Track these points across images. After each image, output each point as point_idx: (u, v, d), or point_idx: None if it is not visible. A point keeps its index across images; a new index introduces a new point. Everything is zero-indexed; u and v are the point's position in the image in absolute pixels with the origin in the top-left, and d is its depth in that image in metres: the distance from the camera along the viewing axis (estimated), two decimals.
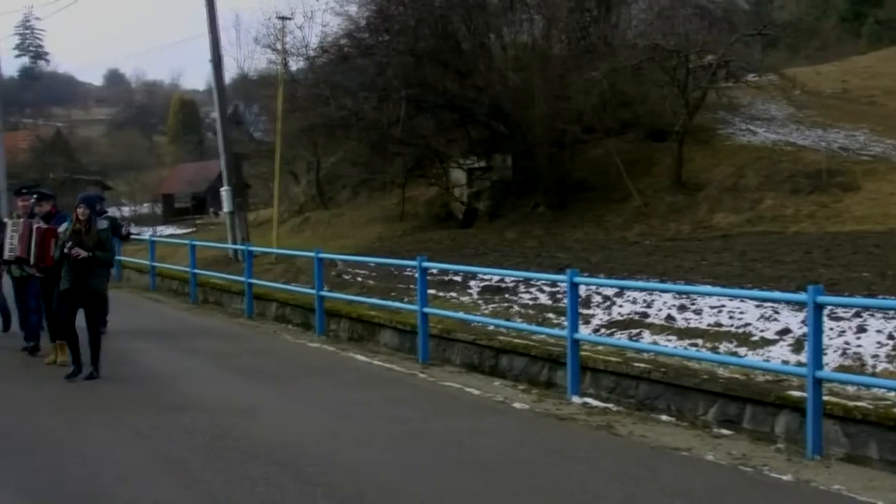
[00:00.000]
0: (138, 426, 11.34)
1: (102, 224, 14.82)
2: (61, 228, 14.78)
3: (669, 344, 14.42)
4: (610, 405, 12.56)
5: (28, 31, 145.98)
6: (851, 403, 10.20)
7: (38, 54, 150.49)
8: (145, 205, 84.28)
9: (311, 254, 20.37)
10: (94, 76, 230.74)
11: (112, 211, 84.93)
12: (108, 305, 19.20)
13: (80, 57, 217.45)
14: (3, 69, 44.43)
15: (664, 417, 11.92)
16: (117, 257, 32.54)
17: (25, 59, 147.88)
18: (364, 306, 19.71)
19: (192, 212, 74.33)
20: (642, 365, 13.05)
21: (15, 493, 8.84)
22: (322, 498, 8.49)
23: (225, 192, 30.66)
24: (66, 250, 14.09)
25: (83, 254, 14.07)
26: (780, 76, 32.41)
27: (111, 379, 14.46)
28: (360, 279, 23.20)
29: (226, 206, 30.88)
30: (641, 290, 17.13)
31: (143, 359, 16.52)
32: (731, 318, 15.38)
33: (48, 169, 68.35)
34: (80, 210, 14.40)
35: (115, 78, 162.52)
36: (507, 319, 17.01)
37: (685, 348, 14.00)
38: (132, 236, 25.67)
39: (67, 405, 12.66)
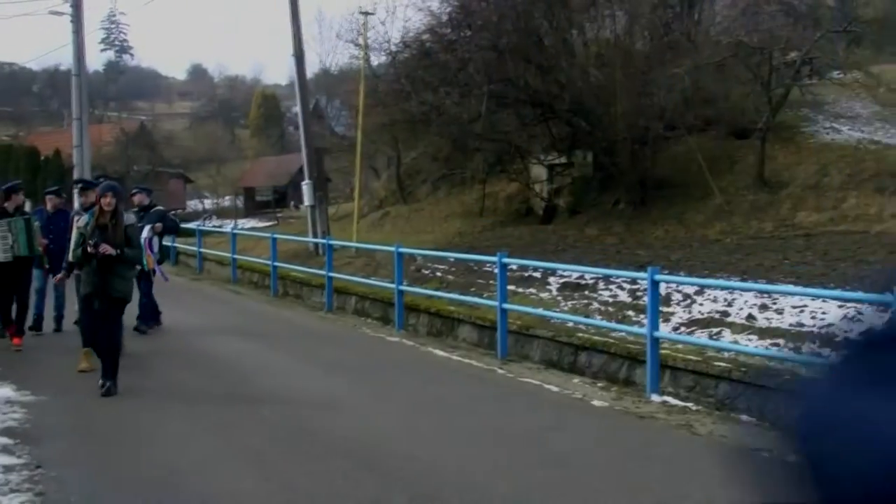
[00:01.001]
0: (217, 418, 11.48)
1: (130, 218, 13.44)
2: (81, 222, 13.07)
3: (750, 343, 14.29)
4: (689, 404, 12.49)
5: (113, 26, 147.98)
6: None
7: (123, 49, 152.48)
8: (227, 198, 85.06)
9: (392, 248, 20.44)
10: (177, 70, 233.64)
11: (194, 204, 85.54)
12: (157, 305, 18.94)
13: (164, 51, 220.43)
14: (89, 63, 45.09)
15: (744, 417, 11.84)
16: (199, 249, 32.96)
17: (110, 54, 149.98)
18: (443, 301, 19.74)
19: (272, 205, 74.82)
20: (722, 364, 12.96)
21: (95, 482, 8.98)
22: (400, 493, 8.53)
23: (306, 185, 30.83)
24: (89, 248, 12.48)
25: (111, 251, 12.48)
26: (865, 73, 32.04)
27: (190, 370, 14.64)
28: (439, 274, 23.23)
29: (307, 200, 31.04)
30: (722, 288, 17.01)
31: (223, 350, 16.66)
32: (813, 318, 15.22)
33: (132, 162, 69.15)
34: (105, 200, 12.82)
35: (197, 72, 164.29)
36: (587, 316, 16.96)
37: (766, 348, 13.87)
38: (213, 228, 25.74)
39: (146, 396, 12.82)
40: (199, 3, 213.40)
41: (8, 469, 9.25)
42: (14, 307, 17.08)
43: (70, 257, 13.53)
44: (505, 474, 9.16)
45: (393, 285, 19.96)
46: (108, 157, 66.92)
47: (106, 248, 12.47)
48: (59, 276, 16.24)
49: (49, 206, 18.45)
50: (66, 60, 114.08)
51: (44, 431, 10.85)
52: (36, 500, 8.44)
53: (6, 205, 16.97)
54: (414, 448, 9.99)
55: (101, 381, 12.62)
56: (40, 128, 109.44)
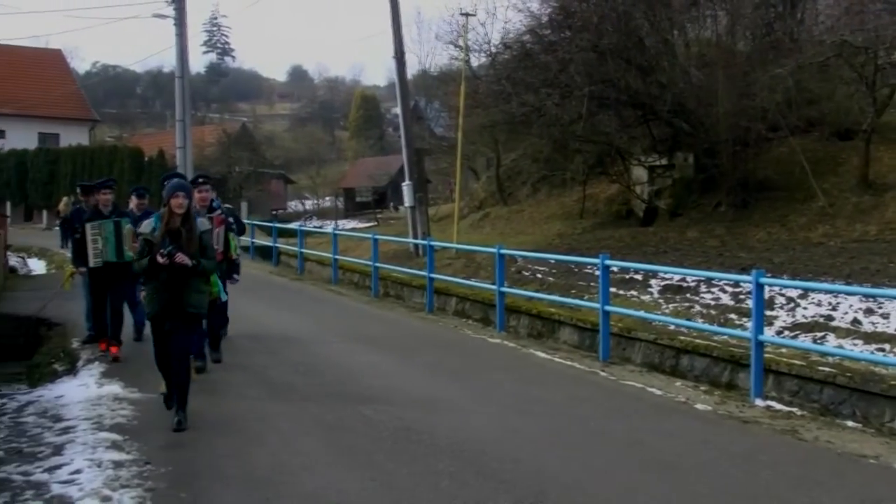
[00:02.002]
0: (322, 417, 11.58)
1: (204, 223, 11.53)
2: (146, 227, 11.16)
3: (855, 348, 14.13)
4: (793, 409, 12.40)
5: (215, 29, 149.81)
6: None
7: (225, 51, 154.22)
8: (327, 198, 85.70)
9: (493, 250, 20.47)
10: (277, 72, 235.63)
11: (294, 204, 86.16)
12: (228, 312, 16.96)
13: (265, 53, 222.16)
14: (191, 66, 45.91)
15: (850, 423, 11.73)
16: (301, 249, 33.21)
17: (212, 56, 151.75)
18: (544, 303, 19.74)
19: (372, 206, 75.25)
20: (827, 369, 12.87)
21: (203, 479, 9.13)
22: (504, 495, 8.58)
23: (406, 186, 31.00)
24: (160, 258, 10.70)
25: (187, 261, 10.80)
26: None
27: (294, 369, 14.77)
28: (539, 276, 23.23)
29: (407, 201, 31.22)
30: (827, 292, 16.84)
31: (327, 351, 16.80)
32: None
33: (234, 163, 69.88)
34: (176, 201, 11.01)
35: (298, 74, 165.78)
36: (689, 319, 16.89)
37: (872, 353, 13.71)
38: (314, 229, 25.39)
39: (252, 395, 12.97)
40: (299, 6, 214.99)
41: (118, 465, 9.44)
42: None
43: (134, 268, 11.50)
44: (608, 477, 9.17)
45: (494, 287, 20.01)
46: (211, 158, 67.77)
47: (182, 258, 10.75)
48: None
49: (133, 206, 17.49)
50: (168, 63, 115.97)
51: (152, 428, 11.04)
52: (146, 495, 8.61)
53: (100, 206, 15.95)
54: (517, 450, 10.03)
55: (175, 418, 10.96)
56: (144, 129, 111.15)
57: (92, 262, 15.72)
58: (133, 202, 17.55)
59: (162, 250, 10.72)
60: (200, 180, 14.93)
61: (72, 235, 17.48)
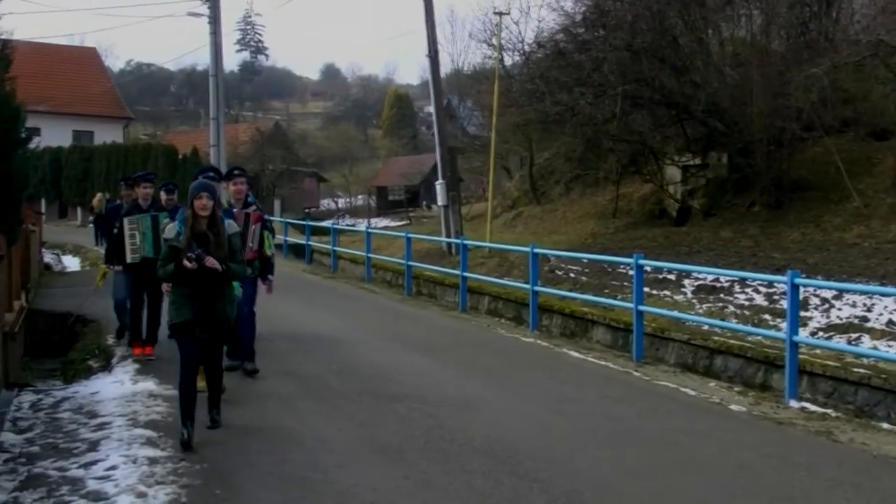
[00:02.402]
0: (356, 414, 11.63)
1: (232, 227, 10.70)
2: (170, 231, 10.46)
3: (890, 350, 14.08)
4: (828, 410, 12.37)
5: (248, 27, 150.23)
6: None
7: (258, 49, 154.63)
8: (360, 197, 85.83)
9: (526, 249, 20.47)
10: (310, 70, 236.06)
11: (327, 203, 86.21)
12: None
13: (298, 52, 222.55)
14: (225, 64, 46.07)
15: (885, 425, 11.68)
16: (334, 248, 33.25)
17: (246, 55, 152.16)
18: (577, 302, 19.73)
19: (405, 204, 75.24)
20: (862, 370, 12.82)
21: (238, 476, 9.16)
22: (538, 494, 8.59)
23: (440, 185, 31.01)
24: (189, 262, 9.93)
25: (218, 266, 10.04)
26: None
27: (327, 367, 14.80)
28: (572, 275, 23.20)
29: (440, 200, 31.23)
30: (861, 293, 16.76)
31: (360, 349, 16.82)
32: None
33: (267, 161, 70.00)
34: (199, 203, 10.21)
35: (331, 72, 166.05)
36: (722, 319, 16.85)
37: None
38: (347, 227, 24.88)
39: (286, 392, 13.00)
40: (332, 4, 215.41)
41: (153, 461, 9.50)
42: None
43: (159, 273, 10.46)
44: (643, 477, 9.16)
45: (527, 286, 20.01)
46: (244, 156, 67.88)
47: (212, 262, 9.99)
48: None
49: (163, 202, 16.46)
50: (202, 61, 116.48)
51: None
52: (181, 492, 8.66)
53: (139, 200, 15.47)
54: (551, 449, 10.03)
55: (209, 416, 10.79)
56: (177, 127, 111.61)
57: (129, 258, 15.40)
58: (162, 197, 16.47)
59: (190, 253, 9.94)
60: (236, 172, 14.36)
61: (107, 232, 17.46)
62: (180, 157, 61.38)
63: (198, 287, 10.17)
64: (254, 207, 14.12)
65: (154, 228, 15.08)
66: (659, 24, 28.01)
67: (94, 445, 10.21)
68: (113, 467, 9.31)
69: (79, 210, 65.75)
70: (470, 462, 9.52)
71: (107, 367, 15.56)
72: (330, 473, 9.17)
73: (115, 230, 16.02)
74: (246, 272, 11.60)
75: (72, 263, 39.26)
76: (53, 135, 63.22)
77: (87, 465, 9.45)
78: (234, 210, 13.28)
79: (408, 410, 11.82)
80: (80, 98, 72.43)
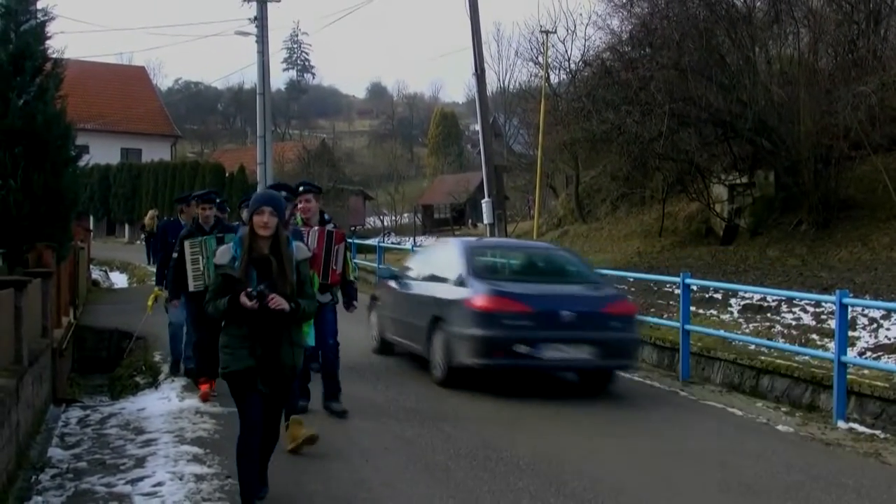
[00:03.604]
0: (402, 433, 11.60)
1: (302, 251, 8.57)
2: (223, 256, 8.25)
3: None
4: (877, 432, 12.28)
5: (295, 46, 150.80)
6: None
7: (305, 68, 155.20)
8: (405, 215, 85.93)
9: None
10: (357, 89, 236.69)
11: (373, 221, 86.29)
12: None
13: (344, 70, 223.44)
14: (272, 82, 46.43)
15: None
16: (379, 265, 33.26)
17: (292, 73, 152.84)
18: None
19: (451, 223, 75.35)
20: None
21: (287, 495, 9.16)
22: None
23: (486, 203, 31.06)
24: (247, 299, 7.85)
25: (286, 306, 7.96)
26: None
27: (373, 386, 14.77)
28: None
29: (486, 218, 31.29)
30: None
31: (404, 366, 16.79)
32: None
33: (313, 179, 70.15)
34: (260, 219, 8.10)
35: (377, 90, 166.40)
36: (769, 339, 16.74)
37: None
38: (392, 245, 23.86)
39: (320, 408, 13.01)
40: (379, 23, 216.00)
41: (199, 478, 9.51)
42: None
43: (209, 310, 8.26)
44: (690, 498, 9.13)
45: None
46: (291, 174, 68.08)
47: (278, 303, 7.92)
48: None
49: (245, 218, 16.33)
50: (249, 79, 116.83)
51: (233, 442, 11.08)
52: None
53: (200, 221, 13.96)
54: (598, 469, 10.00)
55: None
56: (225, 145, 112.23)
57: (192, 286, 13.60)
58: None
59: (249, 290, 7.88)
60: (302, 188, 12.65)
61: (160, 251, 16.27)
62: (227, 175, 61.75)
63: (258, 328, 8.06)
64: (332, 225, 12.85)
65: None
66: (706, 42, 27.92)
67: (140, 462, 10.24)
68: (159, 484, 9.33)
69: (126, 227, 66.31)
70: (516, 481, 9.50)
71: (154, 384, 15.63)
72: (376, 492, 9.17)
73: (176, 254, 14.01)
74: (314, 309, 8.81)
75: (119, 280, 39.56)
76: (102, 152, 63.71)
77: (133, 482, 9.47)
78: (314, 228, 12.26)
79: (454, 429, 11.80)
80: (129, 116, 73.07)
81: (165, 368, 16.37)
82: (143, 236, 43.29)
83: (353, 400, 13.65)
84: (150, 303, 17.59)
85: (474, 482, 9.46)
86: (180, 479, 9.47)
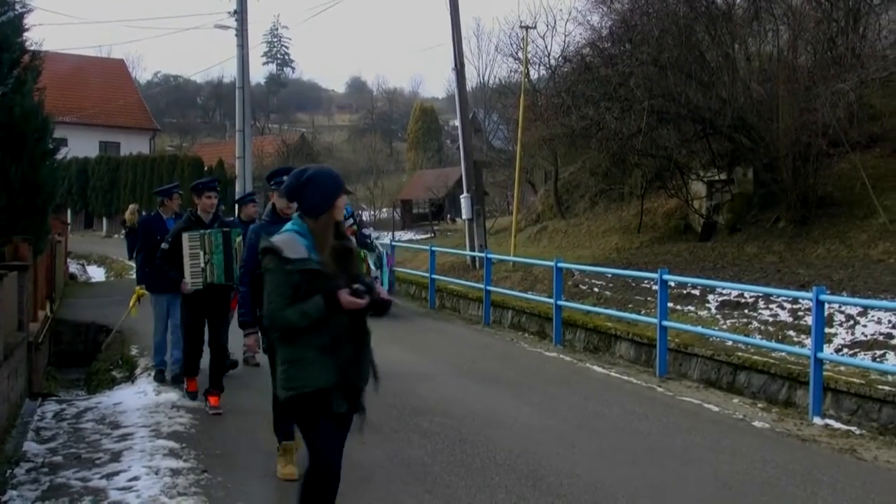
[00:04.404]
0: (380, 428, 11.52)
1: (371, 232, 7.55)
2: (293, 249, 6.43)
3: None
4: (852, 428, 12.32)
5: (275, 40, 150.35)
6: None
7: (285, 62, 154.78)
8: (384, 210, 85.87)
9: (550, 263, 20.49)
10: (336, 83, 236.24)
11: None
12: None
13: (324, 64, 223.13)
14: (252, 76, 46.28)
15: None
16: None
17: (272, 67, 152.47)
18: (601, 317, 19.71)
19: (429, 218, 75.31)
20: (886, 388, 12.74)
21: (260, 488, 9.16)
22: None
23: (465, 199, 31.02)
24: (356, 296, 6.43)
25: (361, 302, 6.44)
26: None
27: None
28: (596, 290, 23.15)
29: (465, 213, 31.24)
30: (887, 310, 16.65)
31: (382, 361, 16.66)
32: None
33: None
34: (342, 201, 6.85)
35: (357, 85, 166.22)
36: (746, 335, 16.78)
37: None
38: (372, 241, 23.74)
39: None
40: (359, 18, 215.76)
41: (175, 472, 9.51)
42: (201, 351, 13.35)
43: (290, 319, 6.37)
44: (667, 494, 9.14)
45: (551, 300, 20.00)
46: (270, 168, 67.90)
47: (385, 295, 6.84)
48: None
49: (242, 216, 15.51)
50: (229, 73, 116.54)
51: (209, 436, 11.12)
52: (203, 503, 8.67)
53: (199, 211, 12.84)
54: (575, 465, 10.01)
55: None
56: (204, 139, 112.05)
57: (189, 284, 12.58)
58: (250, 211, 15.57)
59: (356, 286, 6.49)
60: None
61: (144, 247, 14.82)
62: (206, 168, 61.64)
63: (343, 336, 6.54)
64: (351, 221, 11.82)
65: (226, 248, 12.51)
66: (686, 38, 27.93)
67: (116, 456, 10.23)
68: (135, 478, 9.32)
69: (104, 221, 66.13)
70: (493, 476, 9.51)
71: (130, 378, 15.61)
72: (354, 487, 9.09)
73: (167, 245, 12.84)
74: None
75: (97, 274, 39.52)
76: (80, 145, 63.51)
77: (109, 476, 9.46)
78: None
79: (431, 424, 11.82)
80: (108, 109, 72.81)
81: (142, 363, 16.35)
82: (124, 231, 42.70)
83: None
84: (132, 304, 15.58)
85: (451, 477, 9.47)
86: (156, 473, 9.47)
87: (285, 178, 7.57)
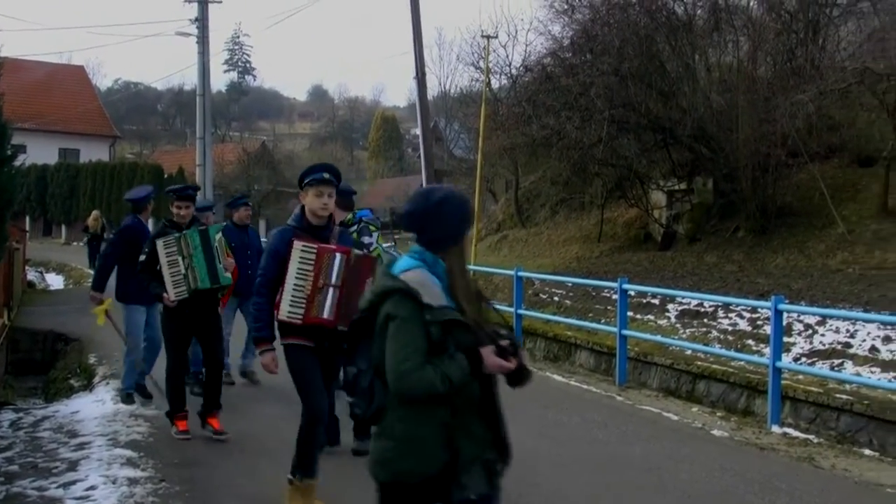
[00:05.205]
0: (341, 437, 11.45)
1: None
2: (431, 293, 4.88)
3: (873, 376, 14.06)
4: (810, 436, 12.39)
5: (237, 48, 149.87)
6: None
7: (246, 70, 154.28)
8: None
9: (511, 272, 20.50)
10: (298, 91, 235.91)
11: None
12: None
13: (286, 73, 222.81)
14: (213, 84, 46.04)
15: (867, 451, 11.70)
16: None
17: (233, 75, 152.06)
18: (561, 326, 19.74)
19: (391, 226, 75.38)
20: (844, 396, 12.83)
21: (218, 497, 9.12)
22: None
23: None
24: (509, 359, 5.06)
25: (509, 366, 5.07)
26: None
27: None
28: (556, 298, 23.19)
29: None
30: (845, 319, 16.75)
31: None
32: None
33: (253, 181, 69.97)
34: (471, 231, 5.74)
35: (318, 93, 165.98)
36: (706, 344, 16.85)
37: (889, 381, 13.62)
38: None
39: (268, 411, 12.93)
40: (321, 26, 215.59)
41: (133, 482, 9.45)
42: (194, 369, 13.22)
43: (436, 388, 4.77)
44: (626, 502, 9.15)
45: (511, 309, 19.99)
46: (230, 176, 67.94)
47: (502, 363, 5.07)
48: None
49: (236, 220, 14.79)
50: (190, 81, 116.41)
51: (167, 445, 11.05)
52: None
53: (175, 218, 11.61)
54: (536, 474, 10.00)
55: None
56: (164, 146, 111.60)
57: (173, 295, 11.17)
58: (241, 215, 14.80)
59: (504, 343, 5.06)
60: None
61: (106, 256, 13.80)
62: (166, 176, 61.42)
63: (470, 409, 5.11)
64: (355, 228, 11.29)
65: (206, 247, 11.32)
66: (646, 49, 28.06)
67: (73, 465, 10.15)
68: (92, 487, 9.25)
69: (63, 228, 65.75)
70: None
71: (88, 387, 15.51)
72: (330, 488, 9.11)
73: (143, 256, 11.48)
74: None
75: (55, 281, 39.22)
76: (40, 152, 63.05)
77: (66, 485, 9.39)
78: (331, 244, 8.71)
79: None
80: (67, 116, 72.43)
81: (100, 371, 16.24)
82: (85, 238, 41.27)
83: (290, 402, 13.58)
84: (101, 315, 13.69)
85: None
86: (113, 482, 9.40)
87: (325, 174, 7.94)
